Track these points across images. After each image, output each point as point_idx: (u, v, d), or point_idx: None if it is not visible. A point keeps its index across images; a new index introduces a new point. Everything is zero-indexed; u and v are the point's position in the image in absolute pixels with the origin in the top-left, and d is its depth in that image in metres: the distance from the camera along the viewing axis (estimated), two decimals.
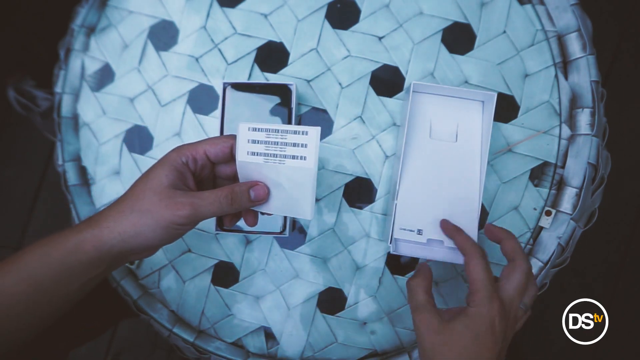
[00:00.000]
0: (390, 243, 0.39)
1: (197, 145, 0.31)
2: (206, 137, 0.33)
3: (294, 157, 0.29)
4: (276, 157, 0.30)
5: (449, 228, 0.38)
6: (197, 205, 0.29)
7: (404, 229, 0.39)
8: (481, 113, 0.41)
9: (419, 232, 0.39)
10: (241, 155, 0.30)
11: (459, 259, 0.39)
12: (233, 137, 0.31)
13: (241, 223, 0.42)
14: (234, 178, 0.34)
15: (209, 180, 0.34)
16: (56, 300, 0.31)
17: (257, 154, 0.30)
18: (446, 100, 0.41)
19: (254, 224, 0.34)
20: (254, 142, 0.30)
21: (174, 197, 0.29)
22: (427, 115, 0.41)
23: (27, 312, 0.30)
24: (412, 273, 0.44)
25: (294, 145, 0.29)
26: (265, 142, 0.30)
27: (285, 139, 0.29)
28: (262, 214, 0.34)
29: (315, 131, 0.29)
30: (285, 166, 0.30)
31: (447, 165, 0.40)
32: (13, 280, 0.29)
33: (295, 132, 0.29)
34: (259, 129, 0.30)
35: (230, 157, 0.32)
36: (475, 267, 0.32)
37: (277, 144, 0.30)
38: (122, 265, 0.34)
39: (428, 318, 0.32)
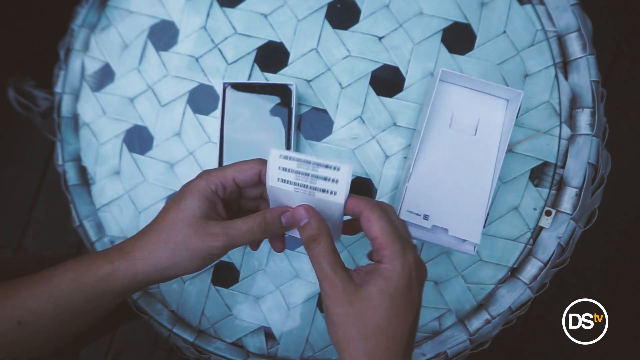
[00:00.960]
0: None
1: (226, 172, 0.30)
2: (233, 163, 0.32)
3: (324, 190, 0.28)
4: (306, 187, 0.29)
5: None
6: (231, 236, 0.29)
7: (411, 212, 0.39)
8: (504, 110, 0.41)
9: (425, 217, 0.39)
10: (271, 180, 0.29)
11: (462, 247, 0.39)
12: (261, 163, 0.31)
13: None
14: (260, 198, 0.34)
15: (236, 201, 0.34)
16: (84, 321, 0.31)
17: (288, 182, 0.29)
18: (471, 93, 0.41)
19: (282, 249, 0.34)
20: (284, 169, 0.29)
21: (207, 228, 0.29)
22: (450, 105, 0.41)
23: (54, 331, 0.31)
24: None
25: (325, 179, 0.28)
26: (296, 172, 0.29)
27: (317, 172, 0.28)
28: (293, 237, 0.33)
29: (347, 168, 0.28)
30: (315, 198, 0.29)
31: (463, 158, 0.40)
32: (43, 302, 0.30)
33: (327, 167, 0.28)
34: (290, 157, 0.29)
35: (258, 182, 0.31)
36: (377, 221, 0.27)
37: (308, 175, 0.29)
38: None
39: (338, 286, 0.27)
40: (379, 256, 0.27)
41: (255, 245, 0.35)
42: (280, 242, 0.33)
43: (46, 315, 0.30)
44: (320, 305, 0.45)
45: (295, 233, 0.32)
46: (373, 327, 0.26)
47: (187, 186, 0.30)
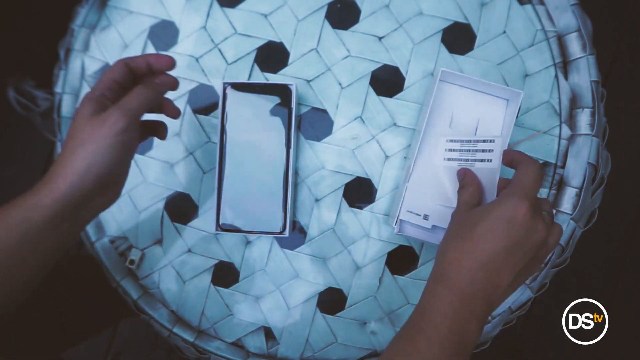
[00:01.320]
0: (395, 224, 0.39)
1: (102, 81, 0.32)
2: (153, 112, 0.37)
3: (482, 160, 0.37)
4: (468, 161, 0.38)
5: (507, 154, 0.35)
6: (122, 104, 0.30)
7: (411, 212, 0.39)
8: (504, 111, 0.41)
9: (425, 217, 0.39)
10: (439, 161, 0.40)
11: None
12: (121, 59, 0.34)
13: (240, 223, 0.41)
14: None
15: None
16: (24, 268, 0.30)
17: (452, 160, 0.39)
18: (471, 93, 0.41)
19: (176, 113, 0.38)
20: (450, 150, 0.39)
21: (101, 115, 0.30)
22: (450, 105, 0.41)
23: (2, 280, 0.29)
24: (412, 273, 0.44)
25: (483, 151, 0.37)
26: (459, 150, 0.39)
27: (476, 146, 0.38)
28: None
29: (500, 139, 0.37)
30: (475, 167, 0.37)
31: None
32: None
33: (484, 141, 0.38)
34: (455, 140, 0.39)
35: (129, 74, 0.34)
36: (526, 170, 0.30)
37: (469, 151, 0.38)
38: (92, 218, 0.33)
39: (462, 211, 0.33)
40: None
41: (162, 131, 0.38)
42: (172, 106, 0.37)
43: None
44: (320, 305, 0.45)
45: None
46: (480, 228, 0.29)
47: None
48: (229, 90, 0.42)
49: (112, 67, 0.33)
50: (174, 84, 0.36)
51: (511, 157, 0.34)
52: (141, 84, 0.33)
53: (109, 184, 0.31)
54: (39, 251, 0.29)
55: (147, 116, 0.35)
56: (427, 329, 0.28)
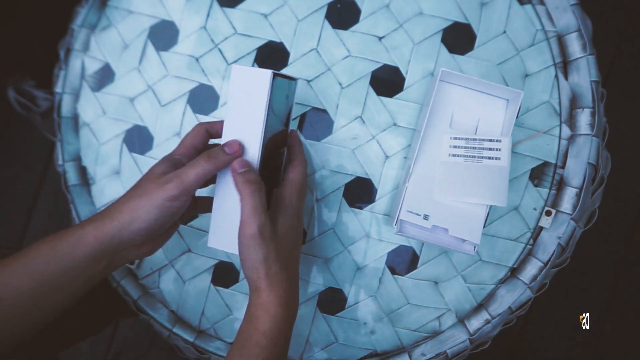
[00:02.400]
0: (395, 224, 0.39)
1: (182, 146, 0.36)
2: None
3: (489, 157, 0.38)
4: (474, 157, 0.39)
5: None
6: (179, 173, 0.32)
7: (411, 212, 0.39)
8: (504, 111, 0.41)
9: (426, 217, 0.39)
10: (444, 157, 0.39)
11: (462, 247, 0.39)
12: (201, 124, 0.37)
13: None
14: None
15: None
16: (61, 295, 0.32)
17: (458, 156, 0.39)
18: (471, 93, 0.41)
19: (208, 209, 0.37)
20: (454, 147, 0.39)
21: (162, 177, 0.32)
22: (450, 105, 0.41)
23: (32, 307, 0.31)
24: (412, 273, 0.44)
25: (490, 149, 0.38)
26: (465, 147, 0.39)
27: (482, 145, 0.39)
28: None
29: (508, 139, 0.38)
30: (483, 165, 0.38)
31: None
32: (20, 275, 0.30)
33: (491, 140, 0.39)
34: (459, 137, 0.39)
35: (207, 138, 0.37)
36: (295, 169, 0.36)
37: (475, 149, 0.39)
38: (124, 264, 0.35)
39: (268, 230, 0.32)
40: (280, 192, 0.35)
41: (189, 212, 0.38)
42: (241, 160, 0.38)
43: (24, 288, 0.30)
44: (320, 305, 0.45)
45: (460, 197, 0.39)
46: (289, 251, 0.34)
47: None
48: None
49: (193, 132, 0.36)
50: (235, 156, 0.35)
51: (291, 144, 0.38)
52: (207, 154, 0.33)
53: (146, 240, 0.33)
54: (75, 283, 0.32)
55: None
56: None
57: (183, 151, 0.36)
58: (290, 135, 0.38)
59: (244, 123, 0.34)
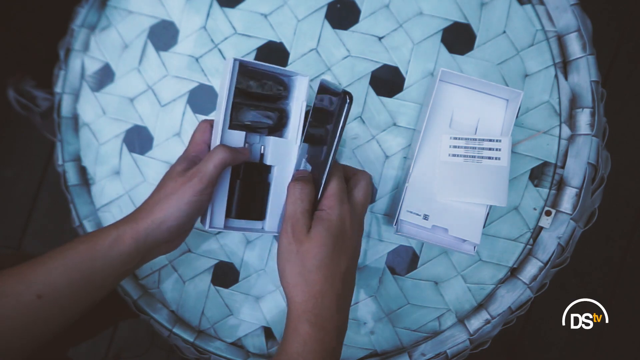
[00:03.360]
0: (395, 224, 0.39)
1: (194, 143, 0.37)
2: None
3: (489, 157, 0.38)
4: (474, 157, 0.39)
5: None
6: (201, 168, 0.33)
7: (411, 212, 0.39)
8: (504, 111, 0.41)
9: (425, 217, 0.39)
10: (443, 157, 0.40)
11: (462, 247, 0.39)
12: (206, 121, 0.38)
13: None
14: None
15: None
16: (95, 291, 0.33)
17: (457, 156, 0.39)
18: (471, 93, 0.41)
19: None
20: (454, 147, 0.39)
21: (185, 174, 0.34)
22: (450, 105, 0.41)
23: (70, 304, 0.32)
24: (412, 273, 0.44)
25: (490, 149, 0.38)
26: (465, 147, 0.39)
27: (482, 145, 0.39)
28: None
29: (508, 139, 0.38)
30: (483, 164, 0.38)
31: None
32: (58, 274, 0.31)
33: (490, 140, 0.39)
34: (459, 138, 0.39)
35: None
36: (333, 180, 0.34)
37: (475, 149, 0.39)
38: (154, 258, 0.36)
39: (298, 229, 0.32)
40: (321, 204, 0.33)
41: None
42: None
43: (62, 286, 0.31)
44: None
45: (460, 196, 0.39)
46: (319, 262, 0.31)
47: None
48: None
49: (200, 129, 0.38)
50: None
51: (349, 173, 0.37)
52: (222, 144, 0.35)
53: (177, 235, 0.35)
54: (110, 279, 0.33)
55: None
56: None
57: (196, 148, 0.37)
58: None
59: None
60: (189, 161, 0.36)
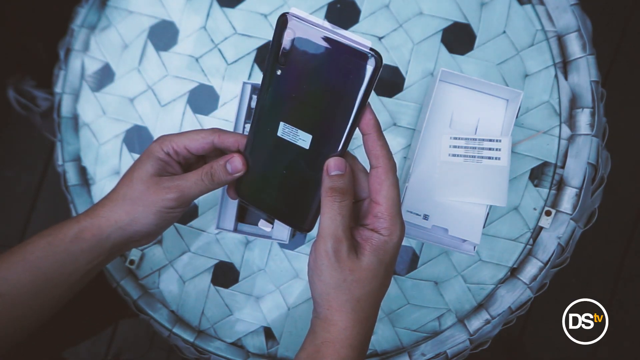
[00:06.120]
0: None
1: (177, 140, 0.32)
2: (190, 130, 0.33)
3: (489, 157, 0.38)
4: (474, 157, 0.39)
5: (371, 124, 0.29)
6: (182, 187, 0.31)
7: (411, 212, 0.39)
8: (504, 111, 0.41)
9: (425, 217, 0.39)
10: (444, 157, 0.39)
11: (462, 247, 0.39)
12: (214, 132, 0.31)
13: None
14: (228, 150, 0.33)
15: (199, 162, 0.35)
16: (60, 289, 0.32)
17: (458, 156, 0.39)
18: (471, 93, 0.41)
19: (235, 197, 0.33)
20: (454, 147, 0.39)
21: (160, 183, 0.31)
22: (450, 105, 0.41)
23: (33, 302, 0.31)
24: (412, 273, 0.44)
25: (490, 149, 0.38)
26: (465, 147, 0.39)
27: (482, 145, 0.39)
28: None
29: (508, 138, 0.38)
30: (483, 164, 0.38)
31: None
32: (19, 270, 0.30)
33: (491, 140, 0.38)
34: (459, 138, 0.39)
35: (212, 149, 0.32)
36: (387, 189, 0.28)
37: (475, 149, 0.39)
38: (122, 253, 0.35)
39: (343, 252, 0.27)
40: (376, 223, 0.28)
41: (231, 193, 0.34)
42: (232, 190, 0.33)
43: (22, 283, 0.30)
44: None
45: (457, 196, 0.39)
46: (369, 292, 0.28)
47: (145, 150, 0.33)
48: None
49: (199, 139, 0.31)
50: (238, 173, 0.31)
51: (371, 147, 0.29)
52: (210, 169, 0.31)
53: (145, 236, 0.33)
54: (74, 276, 0.32)
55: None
56: None
57: (174, 147, 0.31)
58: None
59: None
60: (163, 165, 0.32)
